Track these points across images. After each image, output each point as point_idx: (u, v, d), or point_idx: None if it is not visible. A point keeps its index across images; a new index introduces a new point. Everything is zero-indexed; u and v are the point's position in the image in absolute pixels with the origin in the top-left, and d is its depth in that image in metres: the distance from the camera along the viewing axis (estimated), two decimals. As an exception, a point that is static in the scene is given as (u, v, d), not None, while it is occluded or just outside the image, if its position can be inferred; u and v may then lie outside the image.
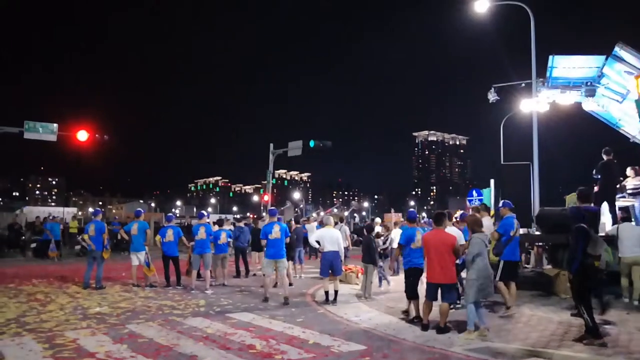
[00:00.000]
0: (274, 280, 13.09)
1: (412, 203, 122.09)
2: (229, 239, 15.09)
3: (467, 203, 21.96)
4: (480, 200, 20.71)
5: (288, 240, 12.25)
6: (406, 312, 9.66)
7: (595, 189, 12.90)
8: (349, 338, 7.94)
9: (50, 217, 27.13)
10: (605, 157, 13.00)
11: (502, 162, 22.59)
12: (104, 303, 10.90)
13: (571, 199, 18.65)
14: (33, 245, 23.56)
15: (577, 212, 8.18)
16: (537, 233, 13.47)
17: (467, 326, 7.94)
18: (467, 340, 7.67)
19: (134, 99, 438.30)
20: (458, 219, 11.59)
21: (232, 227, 17.03)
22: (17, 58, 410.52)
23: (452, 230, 9.62)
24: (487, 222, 11.09)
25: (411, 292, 9.41)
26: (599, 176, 13.09)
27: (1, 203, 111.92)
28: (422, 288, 9.04)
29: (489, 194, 19.26)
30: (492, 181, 18.17)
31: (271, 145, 26.92)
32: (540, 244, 14.07)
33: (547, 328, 8.44)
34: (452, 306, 8.89)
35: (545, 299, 11.12)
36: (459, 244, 8.70)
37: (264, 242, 11.94)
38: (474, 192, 22.55)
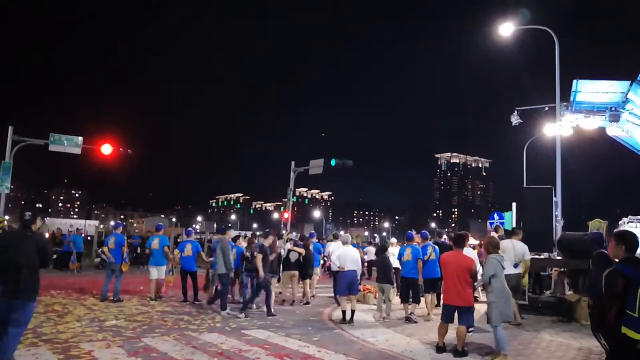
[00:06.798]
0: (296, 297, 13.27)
1: (433, 225, 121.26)
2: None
3: (488, 226, 21.80)
4: (502, 223, 20.55)
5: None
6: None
7: None
8: (364, 358, 7.88)
9: (71, 229, 27.36)
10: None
11: (524, 185, 22.40)
12: (120, 316, 10.94)
13: (594, 225, 18.47)
14: (54, 256, 23.71)
15: (598, 237, 8.06)
16: (559, 258, 13.29)
17: (500, 350, 7.70)
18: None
19: (159, 115, 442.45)
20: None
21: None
22: (43, 72, 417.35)
23: (468, 252, 9.51)
24: (508, 244, 11.06)
25: (402, 297, 11.57)
26: None
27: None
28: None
29: (510, 217, 19.09)
30: (514, 204, 17.99)
31: (292, 163, 26.99)
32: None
33: (566, 354, 8.31)
34: (470, 330, 8.77)
35: (566, 324, 10.95)
36: (476, 267, 8.49)
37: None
38: (495, 215, 22.45)
